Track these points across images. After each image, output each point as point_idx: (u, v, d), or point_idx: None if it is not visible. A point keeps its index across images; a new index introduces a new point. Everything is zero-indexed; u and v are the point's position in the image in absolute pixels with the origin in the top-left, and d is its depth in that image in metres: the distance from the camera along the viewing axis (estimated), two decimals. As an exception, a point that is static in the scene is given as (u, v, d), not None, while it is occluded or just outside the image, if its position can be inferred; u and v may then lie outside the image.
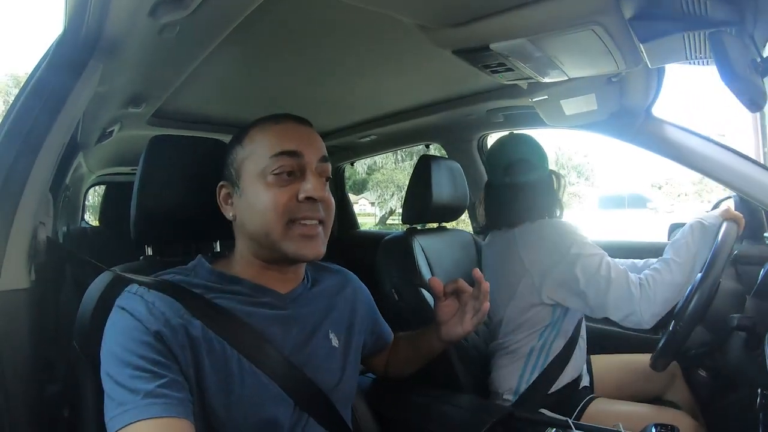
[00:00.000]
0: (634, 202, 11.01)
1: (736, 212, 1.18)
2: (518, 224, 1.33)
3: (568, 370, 1.29)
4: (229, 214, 0.81)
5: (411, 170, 1.63)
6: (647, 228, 9.20)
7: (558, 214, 1.37)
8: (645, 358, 1.25)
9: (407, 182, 1.61)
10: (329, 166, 0.81)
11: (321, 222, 0.78)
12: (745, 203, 1.40)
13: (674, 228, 1.44)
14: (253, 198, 0.76)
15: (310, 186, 0.75)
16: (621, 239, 1.95)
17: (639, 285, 1.15)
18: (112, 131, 1.65)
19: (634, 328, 1.19)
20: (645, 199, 10.77)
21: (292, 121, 0.80)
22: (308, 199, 0.75)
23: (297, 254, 0.76)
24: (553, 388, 1.28)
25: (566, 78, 1.11)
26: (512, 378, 1.31)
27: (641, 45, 0.91)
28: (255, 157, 0.77)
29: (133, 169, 2.36)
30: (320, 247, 0.78)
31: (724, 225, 1.12)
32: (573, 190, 20.08)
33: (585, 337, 1.39)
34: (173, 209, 0.89)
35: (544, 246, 1.25)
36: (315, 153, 0.78)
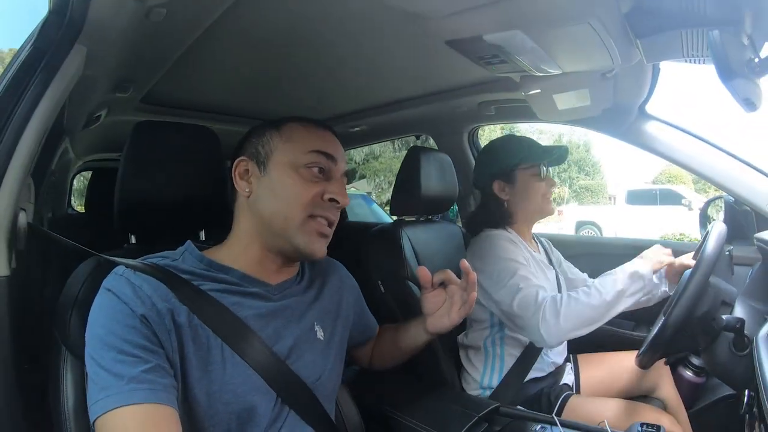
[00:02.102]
0: (666, 197, 10.57)
1: (669, 261, 1.24)
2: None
3: (536, 366, 1.33)
4: (245, 190, 0.81)
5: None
6: (685, 226, 9.09)
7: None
8: (632, 356, 1.25)
9: None
10: (346, 180, 0.88)
11: (331, 225, 0.82)
12: (736, 203, 1.40)
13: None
14: (279, 183, 0.79)
15: (338, 189, 0.81)
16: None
17: (551, 299, 1.18)
18: (100, 116, 1.62)
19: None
20: (678, 195, 10.35)
21: (330, 132, 0.87)
22: (332, 201, 0.80)
23: (307, 249, 0.79)
24: (527, 379, 1.32)
25: (560, 72, 1.11)
26: (477, 372, 1.36)
27: (637, 41, 0.90)
28: (291, 146, 0.81)
29: (120, 155, 2.29)
30: (325, 248, 0.83)
31: (715, 225, 1.12)
32: (584, 184, 19.92)
33: None
34: (158, 196, 0.88)
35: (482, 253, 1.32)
36: (343, 165, 0.85)
